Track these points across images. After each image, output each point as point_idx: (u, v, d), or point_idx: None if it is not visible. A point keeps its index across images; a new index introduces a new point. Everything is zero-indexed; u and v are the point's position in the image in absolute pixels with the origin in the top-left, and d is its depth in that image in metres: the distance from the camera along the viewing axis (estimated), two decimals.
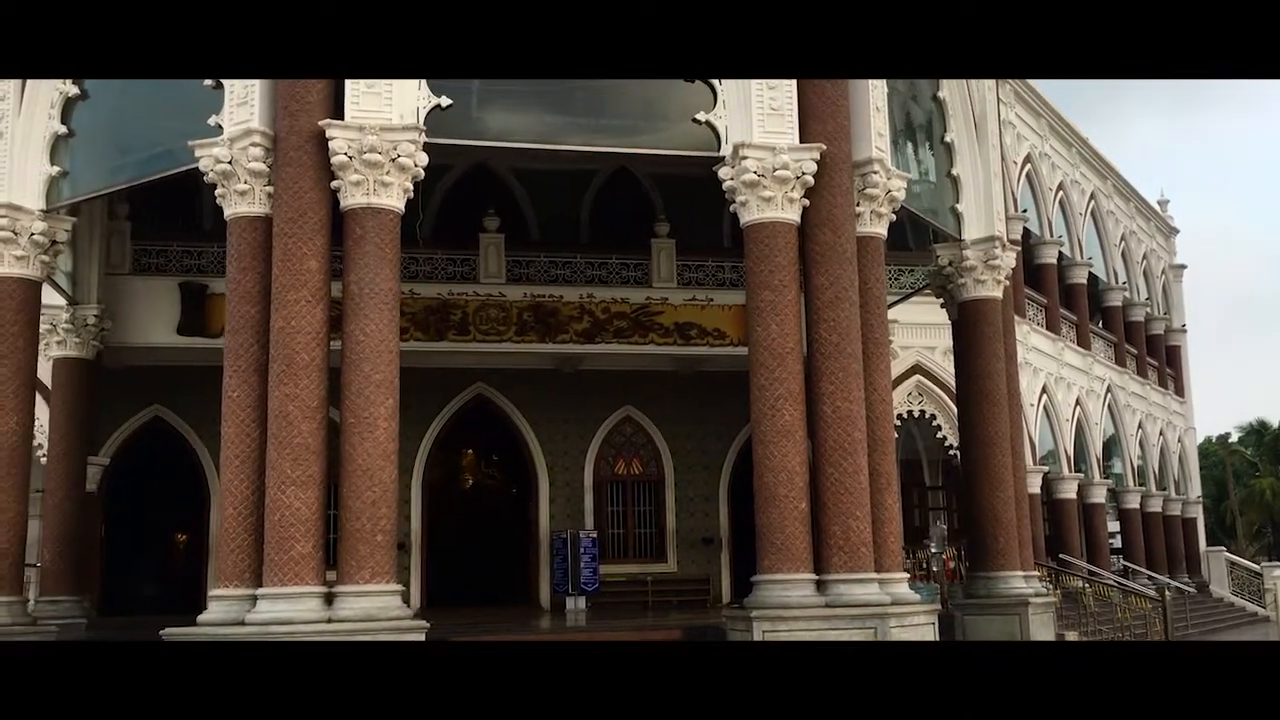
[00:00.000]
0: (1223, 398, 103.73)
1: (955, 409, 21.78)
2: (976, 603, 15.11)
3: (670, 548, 22.71)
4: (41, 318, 18.00)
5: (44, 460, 17.75)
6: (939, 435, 22.44)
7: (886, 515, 12.44)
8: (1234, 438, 61.91)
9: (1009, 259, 15.90)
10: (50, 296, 17.88)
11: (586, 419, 22.76)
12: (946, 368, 22.02)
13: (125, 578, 21.12)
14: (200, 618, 11.03)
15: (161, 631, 10.98)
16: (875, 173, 12.87)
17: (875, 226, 13.09)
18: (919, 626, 12.08)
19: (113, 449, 20.61)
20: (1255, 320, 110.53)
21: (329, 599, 10.92)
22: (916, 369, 22.32)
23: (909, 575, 12.72)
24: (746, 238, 12.50)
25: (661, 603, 21.68)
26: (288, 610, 10.62)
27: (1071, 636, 15.11)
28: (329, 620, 10.68)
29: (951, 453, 22.32)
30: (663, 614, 18.57)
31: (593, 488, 22.61)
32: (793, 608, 11.52)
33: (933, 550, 16.90)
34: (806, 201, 12.41)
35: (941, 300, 17.28)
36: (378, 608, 10.79)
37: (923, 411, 22.44)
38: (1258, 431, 58.98)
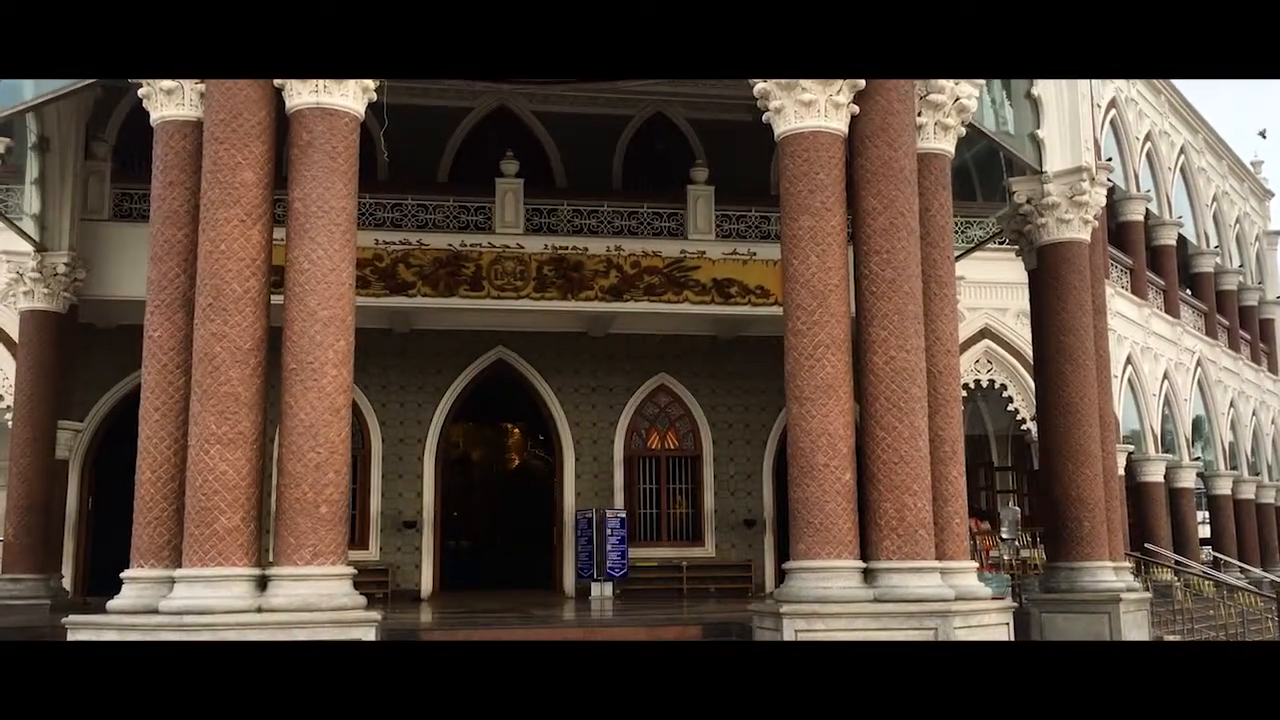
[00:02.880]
0: None
1: (1029, 377, 19.42)
2: (1057, 598, 12.80)
3: (708, 530, 20.56)
4: (6, 265, 16.51)
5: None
6: (1010, 408, 20.00)
7: (950, 491, 10.20)
8: None
9: (1099, 195, 13.51)
10: (16, 243, 16.29)
11: (617, 387, 20.67)
12: (1020, 332, 19.64)
13: (112, 554, 19.39)
14: (110, 603, 9.13)
15: (64, 620, 9.11)
16: None
17: (940, 142, 10.84)
18: (990, 627, 9.84)
19: (100, 414, 18.91)
20: None
21: (262, 583, 8.95)
22: (985, 333, 19.90)
23: (976, 565, 10.45)
24: (782, 152, 10.29)
25: (697, 591, 19.58)
26: (208, 597, 8.67)
27: (1172, 640, 12.73)
28: (258, 609, 8.72)
29: (1024, 428, 19.90)
30: (696, 604, 16.46)
31: (623, 463, 20.51)
32: (833, 601, 9.34)
33: (1004, 536, 14.60)
34: (856, 108, 10.18)
35: (1017, 248, 14.97)
36: (319, 595, 8.80)
37: (991, 381, 20.01)
38: None
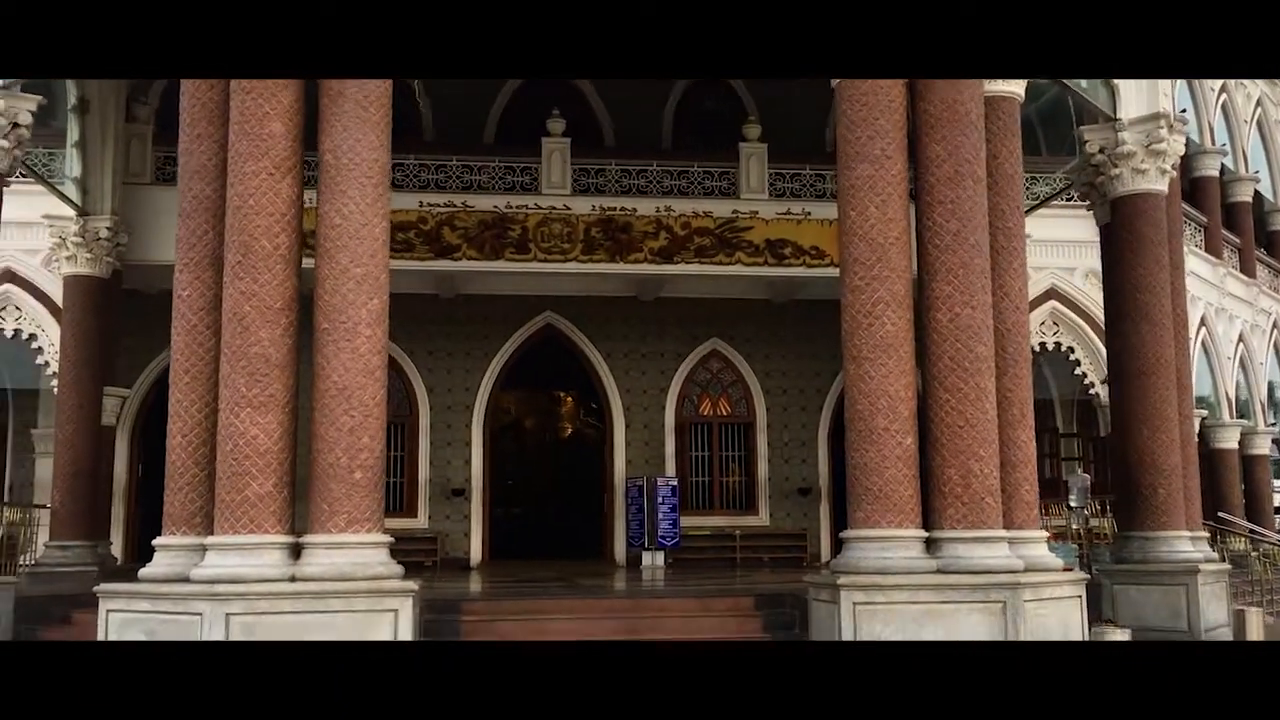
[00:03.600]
0: None
1: (1098, 340, 18.68)
2: (1130, 569, 12.15)
3: (762, 499, 20.05)
4: (49, 230, 16.31)
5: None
6: (1077, 371, 19.23)
7: (1019, 456, 9.60)
8: None
9: (1177, 144, 12.72)
10: (59, 207, 16.10)
11: (668, 353, 20.17)
12: (1088, 292, 18.87)
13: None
14: (142, 571, 8.85)
15: (96, 589, 8.85)
16: None
17: (1008, 84, 10.15)
18: (1061, 601, 9.26)
19: (148, 381, 18.76)
20: None
21: (296, 552, 8.61)
22: (1051, 294, 19.10)
23: (1047, 535, 9.86)
24: (839, 97, 9.68)
25: (751, 560, 19.11)
26: (240, 565, 8.34)
27: (1255, 616, 12.04)
28: (292, 579, 8.37)
29: (1092, 392, 19.15)
30: (750, 574, 16.01)
31: (674, 430, 20.04)
32: (894, 573, 8.81)
33: (1071, 504, 13.93)
34: None
35: (1087, 203, 14.21)
36: (354, 564, 8.43)
37: (1057, 344, 19.24)
38: None
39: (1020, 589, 8.76)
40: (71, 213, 15.90)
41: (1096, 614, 10.81)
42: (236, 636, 8.10)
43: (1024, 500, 9.50)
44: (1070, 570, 9.91)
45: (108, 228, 15.86)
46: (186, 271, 9.02)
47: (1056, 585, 9.24)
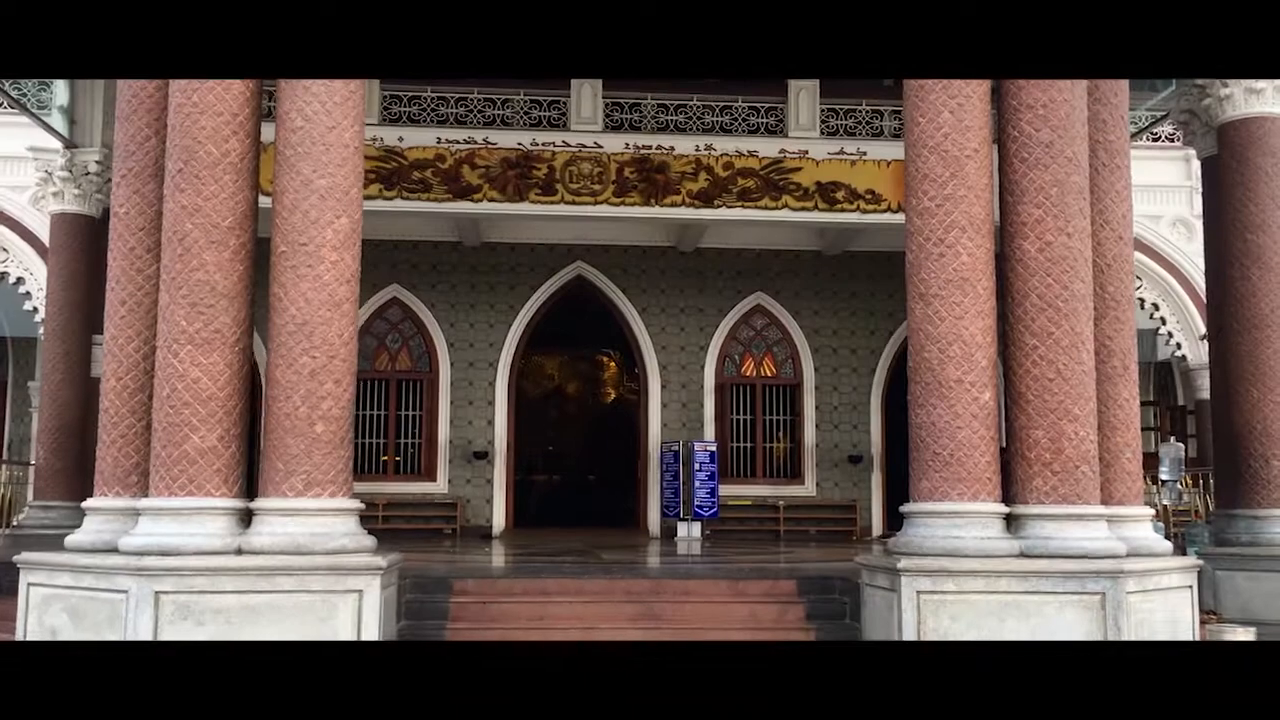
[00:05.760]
0: None
1: (1187, 296, 16.91)
2: (1236, 553, 10.46)
3: (808, 467, 18.45)
4: (35, 165, 15.05)
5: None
6: (1162, 331, 17.41)
7: (1120, 417, 7.95)
8: None
9: None
10: (44, 139, 14.82)
11: (708, 307, 18.58)
12: (1176, 243, 17.07)
13: None
14: (68, 539, 7.48)
15: (16, 558, 7.51)
16: None
17: None
18: (1169, 593, 7.63)
19: None
20: None
21: (246, 519, 7.20)
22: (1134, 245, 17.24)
23: (1153, 512, 8.21)
24: None
25: (795, 534, 17.58)
26: (175, 534, 6.93)
27: None
28: (238, 551, 6.96)
29: (1179, 354, 17.33)
30: (794, 548, 14.49)
31: (714, 391, 18.49)
32: (967, 555, 7.23)
33: (1163, 478, 12.25)
34: None
35: (1184, 136, 12.46)
36: (312, 534, 6.99)
37: (1140, 300, 17.41)
38: None
39: (1123, 578, 7.15)
40: (58, 145, 14.60)
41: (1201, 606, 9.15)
42: (168, 618, 6.73)
43: (1125, 470, 7.86)
44: (1187, 557, 8.26)
45: (97, 161, 14.53)
46: (124, 184, 7.60)
47: (1165, 574, 7.60)
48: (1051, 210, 7.58)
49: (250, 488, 7.39)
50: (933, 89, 7.61)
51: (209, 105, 7.22)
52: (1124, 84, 8.32)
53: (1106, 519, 7.54)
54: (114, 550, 7.05)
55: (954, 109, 7.57)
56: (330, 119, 7.29)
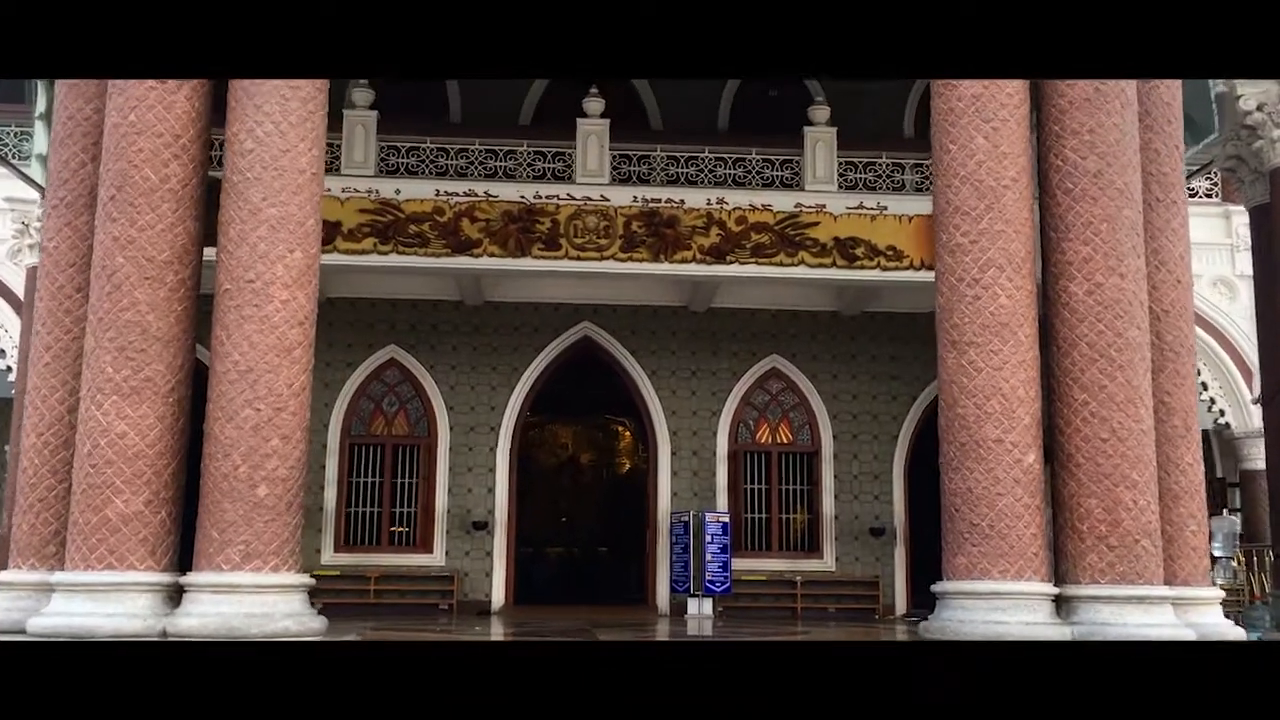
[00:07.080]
0: None
1: (1229, 359, 15.92)
2: None
3: (827, 539, 17.34)
4: (11, 216, 14.39)
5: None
6: (1204, 397, 16.37)
7: (1184, 484, 6.95)
8: None
9: None
10: (21, 190, 14.16)
11: (721, 370, 17.63)
12: (1217, 304, 16.10)
13: None
14: None
15: None
16: None
17: None
18: None
19: None
20: None
21: (176, 595, 6.25)
22: None
23: (1222, 594, 7.16)
24: None
25: (813, 611, 16.44)
26: (91, 614, 6.00)
27: None
28: (162, 634, 6.00)
29: (1222, 420, 16.27)
30: (812, 628, 13.41)
31: (727, 459, 17.47)
32: None
33: (1216, 553, 11.18)
34: None
35: (1231, 183, 11.58)
36: (248, 615, 6.03)
37: None
38: None
39: None
40: (36, 196, 13.90)
41: None
42: None
43: (1190, 545, 6.85)
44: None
45: None
46: (55, 215, 6.80)
47: None
48: (1101, 248, 6.66)
49: (185, 560, 6.45)
50: (964, 112, 6.75)
51: (148, 125, 6.41)
52: (1178, 109, 7.44)
53: (1171, 602, 6.50)
54: (21, 633, 6.09)
55: (989, 134, 6.70)
56: (284, 141, 6.47)
